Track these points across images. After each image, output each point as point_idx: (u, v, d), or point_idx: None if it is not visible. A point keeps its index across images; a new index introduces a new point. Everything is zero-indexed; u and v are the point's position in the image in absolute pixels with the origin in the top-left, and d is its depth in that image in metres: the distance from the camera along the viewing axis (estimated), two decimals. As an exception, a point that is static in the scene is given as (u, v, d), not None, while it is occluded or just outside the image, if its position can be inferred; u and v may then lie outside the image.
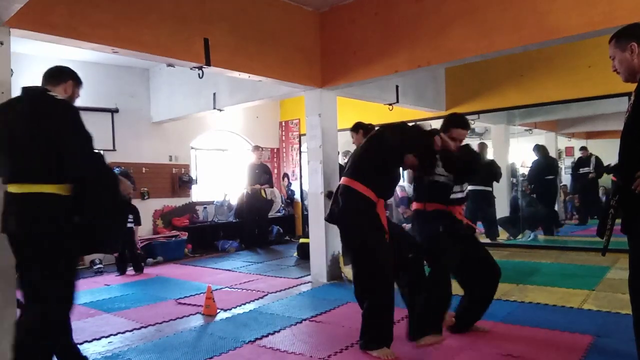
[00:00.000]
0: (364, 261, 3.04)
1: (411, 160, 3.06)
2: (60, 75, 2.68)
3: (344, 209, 3.03)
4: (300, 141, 9.26)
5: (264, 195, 8.10)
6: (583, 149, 9.04)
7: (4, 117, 2.46)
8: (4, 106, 2.59)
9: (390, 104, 6.58)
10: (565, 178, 10.05)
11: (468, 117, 8.30)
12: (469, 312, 3.32)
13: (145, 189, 7.45)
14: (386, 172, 3.09)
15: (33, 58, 6.24)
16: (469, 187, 8.05)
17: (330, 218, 3.19)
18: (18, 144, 2.36)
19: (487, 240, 7.56)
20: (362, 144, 3.23)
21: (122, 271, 6.03)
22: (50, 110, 2.41)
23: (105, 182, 2.50)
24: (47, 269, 2.33)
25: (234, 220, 8.40)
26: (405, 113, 7.39)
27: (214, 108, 6.58)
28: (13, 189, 2.36)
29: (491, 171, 7.59)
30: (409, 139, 3.02)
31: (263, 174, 8.15)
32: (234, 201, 8.57)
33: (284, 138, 9.63)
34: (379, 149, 3.04)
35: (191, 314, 4.12)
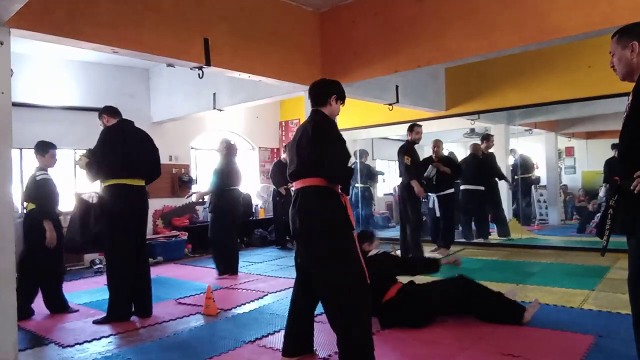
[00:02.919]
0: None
1: None
2: None
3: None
4: (300, 141, 9.25)
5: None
6: (512, 151, 8.79)
7: None
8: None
9: (390, 104, 6.58)
10: (565, 178, 10.07)
11: (468, 117, 8.37)
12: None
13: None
14: None
15: (33, 58, 6.24)
16: (462, 187, 7.98)
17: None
18: None
19: (480, 240, 7.57)
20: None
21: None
22: None
23: None
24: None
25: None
26: (405, 113, 7.40)
27: (214, 108, 6.58)
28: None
29: (481, 170, 7.58)
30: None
31: None
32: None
33: (284, 138, 9.63)
34: None
35: (191, 314, 4.11)
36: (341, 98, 2.91)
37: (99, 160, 3.95)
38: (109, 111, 4.15)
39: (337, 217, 2.64)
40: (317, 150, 2.64)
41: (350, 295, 2.57)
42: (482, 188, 7.47)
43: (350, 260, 2.62)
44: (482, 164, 7.59)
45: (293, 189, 2.84)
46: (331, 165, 2.64)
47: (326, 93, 2.86)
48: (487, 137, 7.74)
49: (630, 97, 2.13)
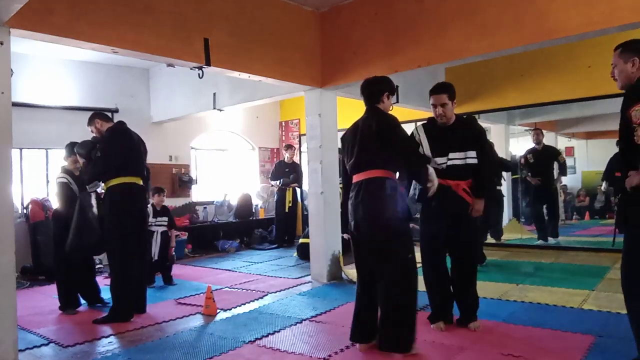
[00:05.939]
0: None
1: None
2: None
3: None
4: (300, 141, 9.27)
5: (289, 196, 8.08)
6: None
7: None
8: None
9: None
10: (565, 178, 10.05)
11: (468, 117, 8.25)
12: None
13: (145, 189, 7.48)
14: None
15: (33, 58, 6.23)
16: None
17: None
18: None
19: (492, 240, 7.53)
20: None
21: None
22: None
23: None
24: None
25: (234, 220, 8.41)
26: (405, 113, 7.39)
27: (214, 108, 6.58)
28: None
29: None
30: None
31: (293, 173, 8.17)
32: (234, 201, 8.58)
33: (284, 138, 9.63)
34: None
35: (191, 314, 4.12)
36: (392, 93, 3.22)
37: (107, 160, 4.00)
38: (103, 116, 4.26)
39: (391, 207, 2.88)
40: (385, 144, 2.92)
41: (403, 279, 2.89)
42: (497, 187, 7.50)
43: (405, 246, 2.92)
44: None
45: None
46: (405, 156, 2.97)
47: (379, 91, 3.16)
48: (536, 131, 7.66)
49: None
